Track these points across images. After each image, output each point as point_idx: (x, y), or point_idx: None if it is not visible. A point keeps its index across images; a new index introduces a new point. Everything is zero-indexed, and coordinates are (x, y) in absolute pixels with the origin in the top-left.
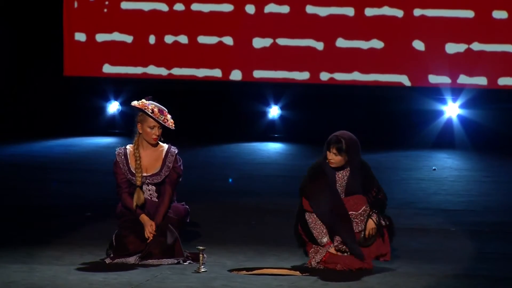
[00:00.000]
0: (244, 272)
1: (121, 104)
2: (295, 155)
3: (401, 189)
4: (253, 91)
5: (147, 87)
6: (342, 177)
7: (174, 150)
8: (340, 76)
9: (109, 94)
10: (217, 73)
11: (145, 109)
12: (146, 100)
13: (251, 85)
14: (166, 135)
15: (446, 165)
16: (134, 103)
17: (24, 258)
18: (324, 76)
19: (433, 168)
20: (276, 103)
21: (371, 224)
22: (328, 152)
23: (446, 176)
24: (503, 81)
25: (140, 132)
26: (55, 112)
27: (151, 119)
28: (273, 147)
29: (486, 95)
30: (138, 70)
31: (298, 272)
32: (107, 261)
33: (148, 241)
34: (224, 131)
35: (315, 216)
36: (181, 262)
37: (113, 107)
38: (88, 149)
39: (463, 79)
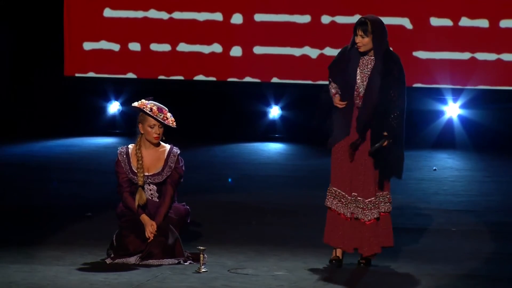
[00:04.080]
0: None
1: (121, 104)
2: (295, 155)
3: (401, 189)
4: (253, 91)
5: (147, 87)
6: (366, 64)
7: (176, 150)
8: (341, 19)
9: (109, 94)
10: (218, 16)
11: (144, 108)
12: (146, 100)
13: (252, 85)
14: (167, 135)
15: (446, 165)
16: (134, 104)
17: (24, 258)
18: (326, 19)
19: (434, 168)
20: (276, 103)
21: (384, 144)
22: (355, 36)
23: (447, 176)
24: (505, 23)
25: (142, 132)
26: (55, 112)
27: (151, 118)
28: (274, 147)
29: (487, 95)
30: (139, 14)
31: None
32: (108, 261)
33: (148, 241)
34: (225, 131)
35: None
36: (181, 262)
37: (113, 107)
38: (88, 149)
39: (464, 21)
